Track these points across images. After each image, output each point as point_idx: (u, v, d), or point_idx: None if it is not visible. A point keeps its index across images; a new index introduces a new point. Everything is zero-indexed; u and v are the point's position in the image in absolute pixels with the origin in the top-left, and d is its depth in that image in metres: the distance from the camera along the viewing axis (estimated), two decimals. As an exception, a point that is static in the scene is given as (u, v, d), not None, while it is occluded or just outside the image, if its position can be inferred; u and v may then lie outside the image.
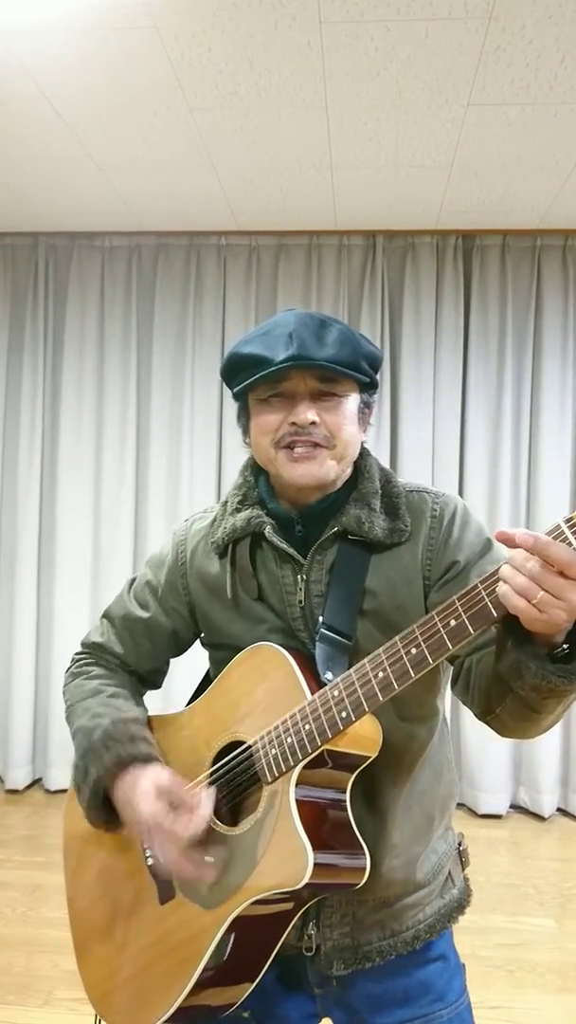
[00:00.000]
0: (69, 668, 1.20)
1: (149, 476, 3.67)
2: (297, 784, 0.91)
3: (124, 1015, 1.01)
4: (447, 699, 1.14)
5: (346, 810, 0.93)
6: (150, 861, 1.03)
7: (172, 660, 1.23)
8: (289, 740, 0.92)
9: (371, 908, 1.03)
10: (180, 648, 1.20)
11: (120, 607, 1.19)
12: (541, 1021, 2.13)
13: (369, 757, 0.94)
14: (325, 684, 0.93)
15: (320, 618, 1.00)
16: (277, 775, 0.93)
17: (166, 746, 1.09)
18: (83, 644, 1.21)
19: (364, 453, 1.09)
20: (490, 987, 2.25)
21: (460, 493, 3.42)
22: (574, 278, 3.54)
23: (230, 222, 3.51)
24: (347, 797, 0.94)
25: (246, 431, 1.09)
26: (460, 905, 1.11)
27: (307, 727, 0.91)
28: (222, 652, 1.08)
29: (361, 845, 0.93)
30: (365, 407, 1.06)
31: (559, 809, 3.55)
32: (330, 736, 0.89)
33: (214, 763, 1.02)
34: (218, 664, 1.09)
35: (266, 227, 3.56)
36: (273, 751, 0.93)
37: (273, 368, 0.96)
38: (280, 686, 0.96)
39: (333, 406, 1.01)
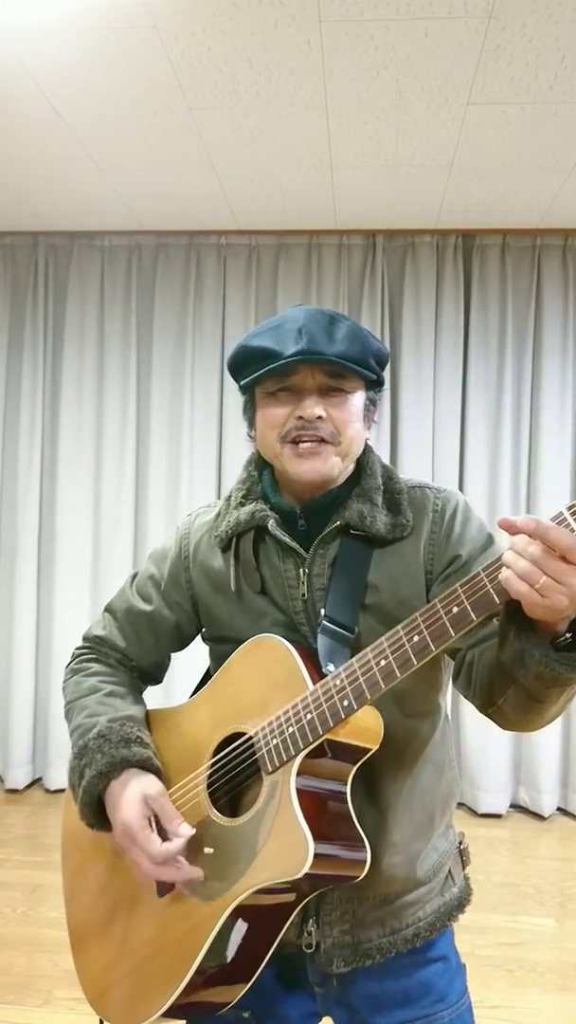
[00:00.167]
0: (69, 664, 1.20)
1: (149, 475, 3.67)
2: (298, 774, 0.91)
3: (122, 1010, 1.00)
4: (448, 698, 1.14)
5: (347, 802, 0.93)
6: None
7: (173, 655, 1.23)
8: (291, 730, 0.92)
9: (371, 905, 1.03)
10: (182, 643, 1.20)
11: (122, 601, 1.19)
12: (541, 1021, 2.13)
13: (370, 749, 0.94)
14: (327, 676, 0.93)
15: (322, 611, 1.00)
16: (278, 765, 0.93)
17: (166, 741, 1.09)
18: (84, 638, 1.21)
19: (367, 450, 1.10)
20: (490, 986, 2.25)
21: (460, 492, 3.41)
22: (574, 277, 3.55)
23: (230, 222, 3.51)
24: (348, 790, 0.93)
25: (252, 424, 1.09)
26: (460, 904, 1.11)
27: (308, 716, 0.91)
28: (223, 646, 1.08)
29: (362, 838, 0.92)
30: (371, 404, 1.07)
31: (559, 809, 3.55)
32: (332, 725, 0.89)
33: (214, 755, 1.02)
34: (218, 659, 1.09)
35: (266, 226, 3.56)
36: (274, 741, 0.93)
37: (282, 361, 0.97)
38: (282, 677, 0.96)
39: (340, 402, 1.01)
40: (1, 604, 3.71)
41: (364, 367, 1.00)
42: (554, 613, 0.77)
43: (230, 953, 0.94)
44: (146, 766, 1.02)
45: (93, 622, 1.23)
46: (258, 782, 0.96)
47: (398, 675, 0.86)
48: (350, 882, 0.93)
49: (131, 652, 1.18)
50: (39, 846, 3.12)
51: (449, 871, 1.11)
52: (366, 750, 0.94)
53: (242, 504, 1.09)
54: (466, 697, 1.01)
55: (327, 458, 1.01)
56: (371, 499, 1.04)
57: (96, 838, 1.07)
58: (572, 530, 0.75)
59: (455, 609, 0.83)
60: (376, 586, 1.02)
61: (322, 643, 0.98)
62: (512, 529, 0.77)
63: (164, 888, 0.99)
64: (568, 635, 0.82)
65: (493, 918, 2.62)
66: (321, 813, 0.90)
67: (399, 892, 1.04)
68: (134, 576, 1.22)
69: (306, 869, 0.85)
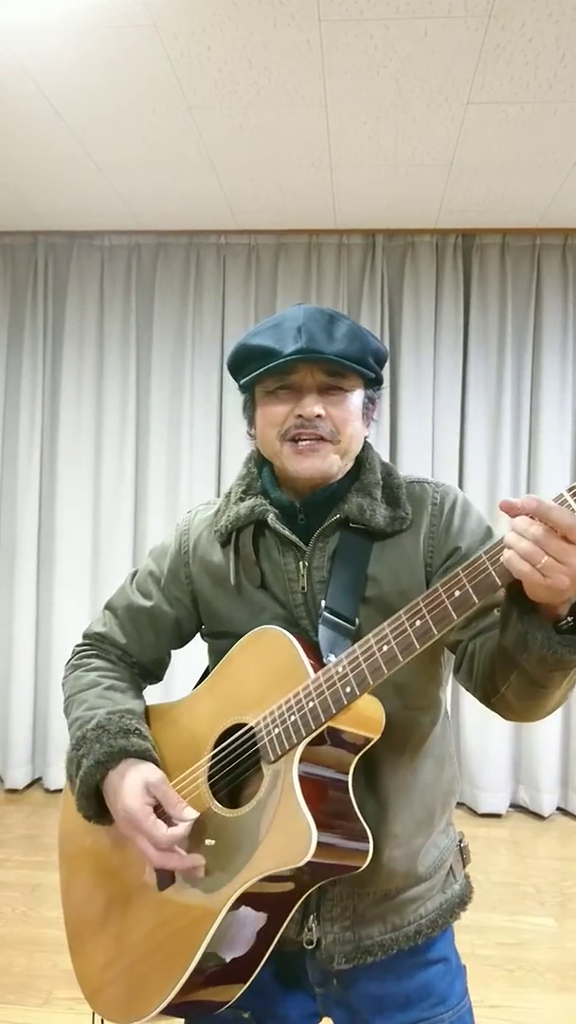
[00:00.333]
0: (69, 660, 1.20)
1: (148, 473, 3.67)
2: (300, 762, 0.91)
3: (120, 1006, 0.99)
4: (448, 695, 1.14)
5: (348, 792, 0.93)
6: None
7: (173, 654, 1.23)
8: (293, 718, 0.92)
9: (372, 901, 1.03)
10: (183, 639, 1.20)
11: (122, 597, 1.20)
12: (541, 1020, 2.13)
13: (372, 738, 0.94)
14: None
15: (322, 603, 1.00)
16: (280, 754, 0.92)
17: (165, 735, 1.09)
18: (85, 635, 1.21)
19: (366, 447, 1.11)
20: (490, 986, 2.25)
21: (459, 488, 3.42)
22: (573, 276, 3.55)
23: (229, 221, 3.51)
24: (350, 780, 0.93)
25: (251, 422, 1.09)
26: (462, 901, 1.11)
27: (311, 704, 0.91)
28: (222, 642, 1.08)
29: (364, 828, 0.92)
30: (370, 403, 1.08)
31: (559, 808, 3.55)
32: (335, 712, 0.89)
33: (215, 747, 1.02)
34: (217, 655, 1.09)
35: (266, 226, 3.56)
36: (276, 730, 0.93)
37: (282, 360, 0.98)
38: (284, 668, 0.96)
39: (339, 400, 1.02)
40: (0, 602, 3.71)
41: (363, 366, 1.01)
42: (556, 594, 0.78)
43: (230, 948, 0.93)
44: (144, 757, 1.02)
45: (93, 619, 1.23)
46: (258, 774, 0.95)
47: (400, 660, 0.86)
48: (351, 873, 0.92)
49: (131, 649, 1.18)
50: (39, 846, 3.12)
51: (450, 868, 1.11)
52: (368, 739, 0.94)
53: (242, 499, 1.09)
54: (468, 689, 1.01)
55: (326, 456, 1.01)
56: (370, 493, 1.04)
57: (94, 833, 1.07)
58: (573, 510, 0.75)
59: (457, 592, 0.83)
60: (376, 578, 1.02)
61: (323, 634, 0.98)
62: (513, 511, 0.78)
63: (165, 880, 0.99)
64: (570, 619, 0.83)
65: (493, 918, 2.62)
66: (323, 802, 0.90)
67: (400, 888, 1.04)
68: (134, 573, 1.22)
69: (309, 856, 0.84)
